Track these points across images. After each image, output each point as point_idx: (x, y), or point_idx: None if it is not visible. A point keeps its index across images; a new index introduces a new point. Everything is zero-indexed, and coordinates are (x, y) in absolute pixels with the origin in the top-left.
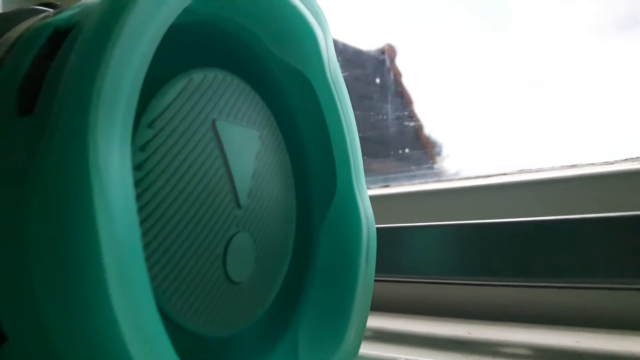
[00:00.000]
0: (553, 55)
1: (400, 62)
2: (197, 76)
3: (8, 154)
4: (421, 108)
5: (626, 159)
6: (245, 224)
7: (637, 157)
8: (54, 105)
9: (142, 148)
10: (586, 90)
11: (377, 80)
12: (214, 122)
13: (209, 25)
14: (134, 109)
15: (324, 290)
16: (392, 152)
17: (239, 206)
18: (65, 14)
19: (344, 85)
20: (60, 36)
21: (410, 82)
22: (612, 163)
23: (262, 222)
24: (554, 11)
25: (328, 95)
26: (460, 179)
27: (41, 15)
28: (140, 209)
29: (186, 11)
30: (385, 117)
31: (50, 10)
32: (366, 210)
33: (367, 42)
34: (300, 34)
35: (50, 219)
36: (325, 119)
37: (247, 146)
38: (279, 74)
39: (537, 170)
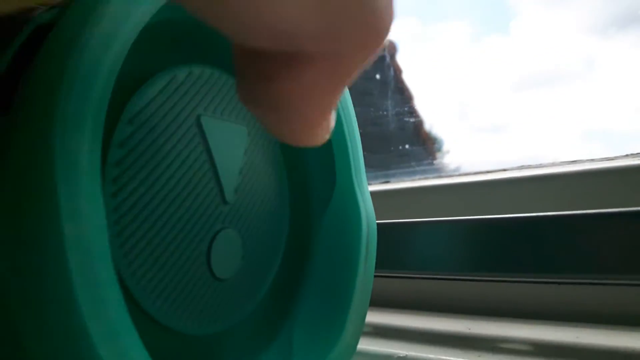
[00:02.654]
0: (554, 53)
1: (401, 59)
2: (181, 72)
3: None
4: (422, 104)
5: (626, 155)
6: (232, 220)
7: (637, 154)
8: (25, 107)
9: (121, 144)
10: (587, 87)
11: (378, 76)
12: (198, 117)
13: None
14: (105, 107)
15: (321, 286)
16: (392, 148)
17: (224, 202)
18: (51, 10)
19: None
20: (41, 33)
21: (411, 78)
22: (612, 159)
23: (250, 218)
24: (556, 10)
25: None
26: (460, 174)
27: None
28: (117, 205)
29: (172, 7)
30: (385, 112)
31: (43, 7)
32: (366, 206)
33: None
34: None
35: (17, 214)
36: None
37: (235, 142)
38: None
39: (538, 166)
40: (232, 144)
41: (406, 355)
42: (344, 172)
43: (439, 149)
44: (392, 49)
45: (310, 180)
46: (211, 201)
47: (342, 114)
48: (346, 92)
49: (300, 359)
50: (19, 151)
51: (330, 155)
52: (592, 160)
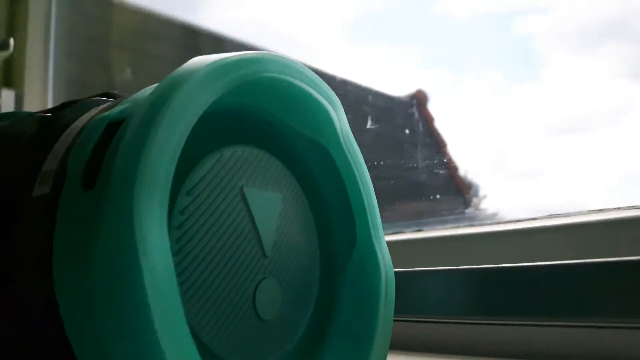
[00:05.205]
0: (586, 99)
1: (434, 107)
2: (227, 152)
3: (77, 220)
4: (456, 151)
5: None
6: (272, 271)
7: None
8: (108, 183)
9: (182, 212)
10: (619, 132)
11: (410, 125)
12: (242, 188)
13: (242, 111)
14: (169, 184)
15: (347, 328)
16: (423, 197)
17: (265, 256)
18: (118, 108)
19: (359, 150)
20: (114, 127)
21: (444, 126)
22: (638, 207)
23: (286, 269)
24: (583, 57)
25: (343, 159)
26: (490, 223)
27: (101, 107)
28: (180, 261)
29: (220, 100)
30: (417, 161)
31: (110, 100)
32: (384, 257)
33: (401, 89)
34: (318, 116)
35: (109, 277)
36: (343, 179)
37: (272, 206)
38: (302, 145)
39: (566, 215)
40: (269, 208)
41: None
42: (363, 229)
43: (476, 195)
44: (424, 98)
45: (334, 237)
46: (254, 255)
47: (357, 176)
48: (360, 159)
49: None
50: (107, 218)
51: (350, 215)
52: (618, 209)
